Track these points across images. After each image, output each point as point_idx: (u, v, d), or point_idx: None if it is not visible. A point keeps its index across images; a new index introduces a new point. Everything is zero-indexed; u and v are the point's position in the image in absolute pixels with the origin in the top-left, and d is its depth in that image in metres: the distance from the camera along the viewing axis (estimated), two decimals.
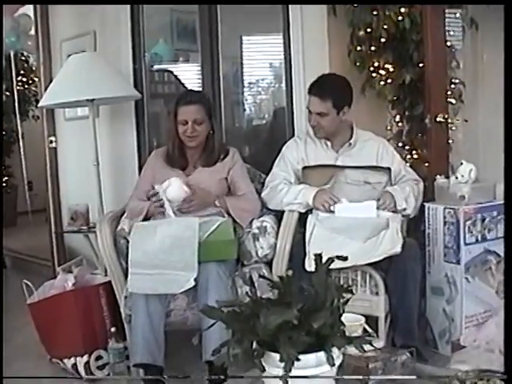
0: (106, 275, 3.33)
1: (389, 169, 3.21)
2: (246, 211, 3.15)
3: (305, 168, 3.25)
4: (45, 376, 3.03)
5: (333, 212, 3.03)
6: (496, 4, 3.45)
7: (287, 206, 3.16)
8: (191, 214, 3.01)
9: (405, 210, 3.10)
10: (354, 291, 1.81)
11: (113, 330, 3.01)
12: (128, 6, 4.26)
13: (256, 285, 1.97)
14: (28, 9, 4.92)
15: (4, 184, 7.72)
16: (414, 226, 3.29)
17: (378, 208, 3.01)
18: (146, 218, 3.11)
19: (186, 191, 3.04)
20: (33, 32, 4.98)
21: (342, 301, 1.71)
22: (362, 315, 2.54)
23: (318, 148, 3.31)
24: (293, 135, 3.91)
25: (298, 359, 1.58)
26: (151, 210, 3.09)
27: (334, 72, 3.50)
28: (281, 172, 3.31)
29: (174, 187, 3.02)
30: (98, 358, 3.12)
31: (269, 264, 3.12)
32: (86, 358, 3.10)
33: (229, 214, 3.09)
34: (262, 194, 3.28)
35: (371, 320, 2.77)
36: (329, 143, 3.28)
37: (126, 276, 3.03)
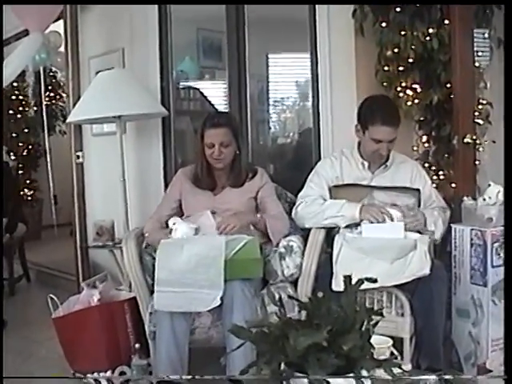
0: (130, 291, 3.34)
1: (418, 191, 3.20)
2: (279, 231, 3.16)
3: (336, 187, 3.24)
4: (45, 376, 3.03)
5: (381, 222, 3.02)
6: (496, 4, 3.46)
7: (329, 219, 3.13)
8: None
9: (433, 233, 3.07)
10: (383, 313, 1.79)
11: (137, 346, 3.02)
12: (156, 23, 4.31)
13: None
14: (58, 26, 4.98)
15: (30, 198, 7.81)
16: (441, 248, 3.26)
17: (406, 225, 2.99)
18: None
19: (212, 224, 3.04)
20: (62, 49, 5.05)
21: (371, 323, 1.70)
22: (388, 336, 2.52)
23: (354, 168, 3.28)
24: (319, 154, 3.92)
25: (327, 382, 1.57)
26: (149, 237, 3.18)
27: (367, 94, 3.49)
28: (316, 187, 3.28)
29: (181, 228, 3.02)
30: (122, 373, 3.13)
31: (294, 283, 3.12)
32: (109, 373, 3.11)
33: (262, 232, 3.11)
34: (298, 209, 3.25)
35: (396, 342, 2.74)
36: (366, 163, 3.25)
37: (151, 292, 3.04)
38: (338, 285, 2.76)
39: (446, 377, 1.79)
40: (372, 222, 3.03)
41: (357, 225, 3.07)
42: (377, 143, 3.12)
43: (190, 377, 2.62)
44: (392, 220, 3.01)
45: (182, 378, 2.65)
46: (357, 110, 3.25)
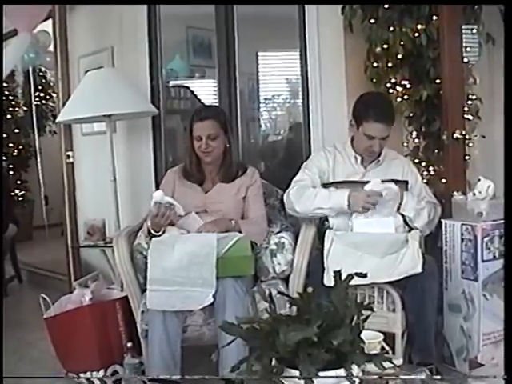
0: (122, 290, 3.33)
1: (406, 183, 3.21)
2: (255, 235, 3.13)
3: (329, 184, 3.23)
4: (45, 376, 3.02)
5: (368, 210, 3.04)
6: (496, 4, 3.47)
7: (317, 210, 3.13)
8: None
9: (410, 219, 3.09)
10: (373, 308, 1.80)
11: (129, 344, 3.01)
12: (145, 21, 4.30)
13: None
14: (47, 25, 4.96)
15: (20, 198, 7.79)
16: (431, 243, 3.28)
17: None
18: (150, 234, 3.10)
19: (199, 222, 3.05)
20: (51, 48, 5.03)
21: (361, 318, 1.71)
22: (379, 332, 2.53)
23: (347, 163, 3.28)
24: (309, 151, 3.92)
25: (318, 376, 1.58)
26: (150, 224, 3.05)
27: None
28: (309, 173, 3.27)
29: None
30: (114, 372, 3.12)
31: (286, 280, 3.12)
32: (101, 372, 3.10)
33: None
34: (290, 192, 3.22)
35: (387, 337, 2.75)
36: (359, 158, 3.25)
37: (142, 291, 3.04)
38: (329, 280, 2.76)
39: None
40: (361, 213, 3.05)
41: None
42: (370, 139, 3.12)
43: (179, 377, 2.63)
44: (381, 196, 3.03)
45: (171, 378, 2.65)
46: (352, 105, 3.24)
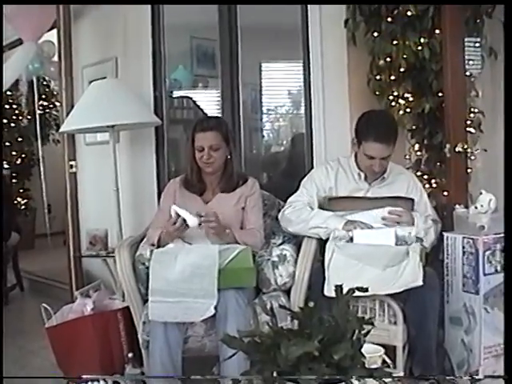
0: (123, 300, 3.33)
1: (412, 201, 3.20)
2: (250, 246, 3.09)
3: (332, 199, 3.22)
4: (46, 376, 3.02)
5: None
6: (496, 4, 3.49)
7: (312, 229, 3.13)
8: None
9: (422, 240, 3.08)
10: (374, 323, 1.80)
11: (130, 355, 3.02)
12: (149, 31, 4.32)
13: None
14: (52, 35, 4.99)
15: (23, 206, 7.81)
16: (433, 256, 3.27)
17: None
18: (159, 245, 3.11)
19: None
20: (56, 58, 5.05)
21: (362, 332, 1.71)
22: (380, 345, 2.52)
23: (350, 179, 3.26)
24: (312, 162, 3.93)
25: None
26: (163, 236, 3.10)
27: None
28: (306, 194, 3.27)
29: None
30: (115, 383, 3.12)
31: (287, 292, 3.12)
32: (102, 383, 3.10)
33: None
34: (285, 212, 3.24)
35: (388, 349, 2.75)
36: (362, 174, 3.23)
37: (144, 301, 3.05)
38: (329, 290, 2.77)
39: None
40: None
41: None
42: (369, 159, 3.11)
43: None
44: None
45: None
46: (355, 124, 3.22)
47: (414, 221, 3.07)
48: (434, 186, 3.75)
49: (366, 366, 1.74)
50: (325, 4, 3.89)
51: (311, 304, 1.76)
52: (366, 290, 1.84)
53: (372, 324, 1.76)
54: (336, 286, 1.79)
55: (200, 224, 2.99)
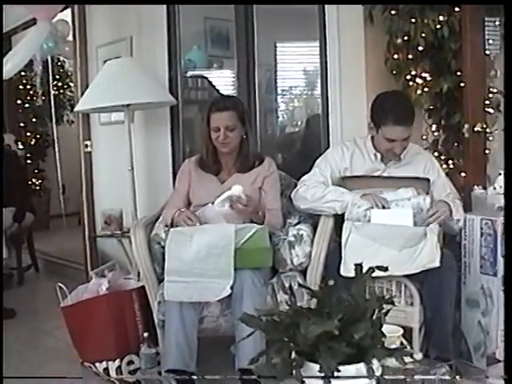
0: (138, 280, 3.34)
1: (428, 181, 3.17)
2: (272, 227, 3.10)
3: (347, 177, 3.20)
4: (46, 376, 3.04)
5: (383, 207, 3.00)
6: (496, 4, 3.43)
7: (328, 203, 3.09)
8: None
9: (458, 221, 3.04)
10: (394, 302, 1.78)
11: (145, 335, 3.02)
12: (164, 12, 4.29)
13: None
14: (66, 15, 4.97)
15: (38, 187, 7.83)
16: (450, 237, 3.24)
17: (430, 216, 2.96)
18: (171, 226, 3.10)
19: (216, 213, 3.03)
20: (70, 38, 5.04)
21: (382, 312, 1.69)
22: (397, 326, 2.51)
23: (366, 160, 3.23)
24: (328, 142, 3.90)
25: (338, 370, 1.56)
26: (176, 218, 3.09)
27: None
28: (320, 174, 3.24)
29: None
30: (130, 362, 3.12)
31: (303, 272, 3.11)
32: (117, 362, 3.11)
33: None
34: (299, 191, 3.21)
35: (405, 331, 2.73)
36: (379, 155, 3.20)
37: (159, 281, 3.05)
38: (346, 270, 2.76)
39: None
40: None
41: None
42: (390, 142, 3.07)
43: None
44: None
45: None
46: (370, 108, 3.18)
47: (450, 207, 3.02)
48: (452, 166, 3.71)
49: (386, 346, 1.72)
50: (334, 4, 3.85)
51: (331, 282, 1.74)
52: (386, 269, 1.82)
53: (392, 303, 1.74)
54: (355, 265, 1.77)
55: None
